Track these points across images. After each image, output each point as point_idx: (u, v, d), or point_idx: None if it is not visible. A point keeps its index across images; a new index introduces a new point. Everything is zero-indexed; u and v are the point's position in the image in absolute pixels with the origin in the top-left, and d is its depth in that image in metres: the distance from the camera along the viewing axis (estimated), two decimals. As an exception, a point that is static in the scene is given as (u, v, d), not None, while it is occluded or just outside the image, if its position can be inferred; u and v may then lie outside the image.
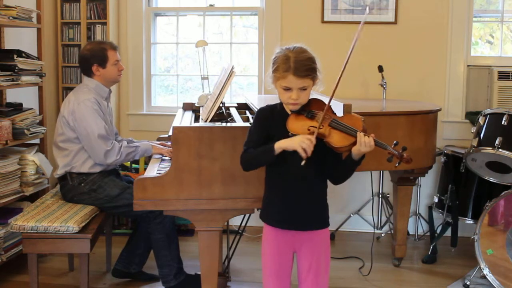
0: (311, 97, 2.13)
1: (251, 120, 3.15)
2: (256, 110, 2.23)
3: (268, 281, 2.18)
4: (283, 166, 2.10)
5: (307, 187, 2.12)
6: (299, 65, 2.01)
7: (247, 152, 2.12)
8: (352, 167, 2.10)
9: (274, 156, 2.03)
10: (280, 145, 2.02)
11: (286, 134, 2.06)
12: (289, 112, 2.12)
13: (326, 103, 2.11)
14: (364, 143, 1.99)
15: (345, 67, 2.06)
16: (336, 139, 2.04)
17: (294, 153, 2.00)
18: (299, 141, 1.98)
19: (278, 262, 2.16)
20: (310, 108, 2.10)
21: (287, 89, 2.04)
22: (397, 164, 2.06)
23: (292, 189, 2.11)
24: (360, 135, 2.01)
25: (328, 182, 2.22)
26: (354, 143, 2.02)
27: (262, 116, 2.17)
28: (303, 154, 1.97)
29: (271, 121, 2.13)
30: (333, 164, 2.13)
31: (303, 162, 1.97)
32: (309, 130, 2.03)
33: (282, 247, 2.16)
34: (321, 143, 2.05)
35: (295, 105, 2.07)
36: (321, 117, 2.03)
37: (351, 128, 2.04)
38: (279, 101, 2.20)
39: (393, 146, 2.05)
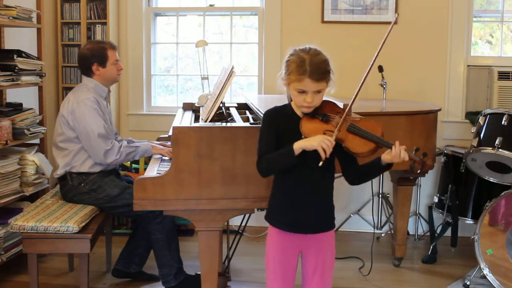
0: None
1: (251, 120, 3.15)
2: (262, 113, 2.19)
3: (273, 284, 2.16)
4: (294, 169, 2.07)
5: (317, 189, 2.11)
6: (315, 68, 1.97)
7: (265, 158, 2.05)
8: (378, 172, 2.09)
9: (295, 158, 1.98)
10: (300, 145, 1.97)
11: (297, 138, 2.02)
12: (300, 115, 2.09)
13: (338, 106, 2.10)
14: (398, 155, 1.97)
15: (367, 73, 2.07)
16: (356, 144, 2.02)
17: (306, 155, 1.98)
18: (319, 140, 1.94)
19: (284, 265, 2.14)
20: (323, 111, 2.07)
21: (302, 92, 2.00)
22: (418, 171, 2.05)
23: (302, 192, 2.09)
24: (397, 147, 1.97)
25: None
26: (374, 149, 2.01)
27: (270, 118, 2.11)
28: (322, 154, 1.93)
29: (280, 122, 2.09)
30: (349, 165, 2.12)
31: (320, 163, 1.94)
32: (325, 134, 2.00)
33: (288, 250, 2.13)
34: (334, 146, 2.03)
35: (309, 108, 2.04)
36: (340, 122, 2.00)
37: (370, 134, 2.02)
38: (285, 102, 2.17)
39: (414, 152, 2.03)
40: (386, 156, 2.01)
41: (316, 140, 1.95)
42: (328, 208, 2.16)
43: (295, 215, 2.10)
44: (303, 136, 2.02)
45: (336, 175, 2.20)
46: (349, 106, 2.05)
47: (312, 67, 1.97)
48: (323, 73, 1.99)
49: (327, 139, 1.95)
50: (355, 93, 2.08)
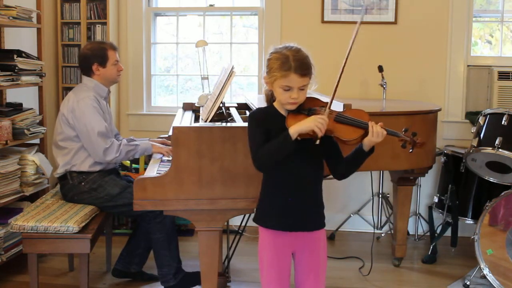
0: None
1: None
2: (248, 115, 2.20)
3: (269, 286, 2.15)
4: (283, 168, 2.07)
5: (308, 187, 2.12)
6: (299, 64, 2.00)
7: (261, 151, 2.03)
8: (363, 159, 2.09)
9: (293, 143, 1.98)
10: (295, 129, 1.97)
11: None
12: (285, 114, 2.09)
13: (321, 100, 2.11)
14: (377, 132, 2.00)
15: (344, 65, 2.07)
16: (345, 133, 2.04)
17: (296, 153, 1.99)
18: (313, 120, 1.96)
19: (278, 266, 2.13)
20: (308, 106, 2.09)
21: (287, 89, 2.02)
22: (411, 150, 2.08)
23: (293, 191, 2.09)
24: (371, 124, 2.02)
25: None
26: (363, 135, 2.03)
27: (257, 119, 2.12)
28: (319, 132, 1.94)
29: (267, 123, 2.09)
30: (336, 160, 2.14)
31: (317, 141, 1.96)
32: None
33: (281, 250, 2.13)
34: (321, 142, 2.03)
35: (294, 104, 2.05)
36: (326, 112, 2.02)
37: (358, 120, 2.05)
38: (266, 104, 2.18)
39: (403, 132, 2.07)
40: (365, 140, 2.03)
41: (309, 121, 1.97)
42: (319, 205, 2.17)
43: (287, 214, 2.10)
44: None
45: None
46: (331, 98, 2.05)
47: (297, 62, 2.00)
48: (307, 68, 2.02)
49: (320, 117, 1.96)
50: (335, 85, 2.08)
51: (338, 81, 2.07)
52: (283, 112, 2.11)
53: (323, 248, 2.18)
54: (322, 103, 2.11)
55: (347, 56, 2.08)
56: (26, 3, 3.60)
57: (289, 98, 2.03)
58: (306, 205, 2.12)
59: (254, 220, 2.20)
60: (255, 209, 2.23)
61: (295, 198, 2.10)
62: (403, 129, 2.08)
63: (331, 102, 2.05)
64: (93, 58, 3.20)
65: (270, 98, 2.15)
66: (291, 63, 1.99)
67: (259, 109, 2.17)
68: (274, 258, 2.13)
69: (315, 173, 2.12)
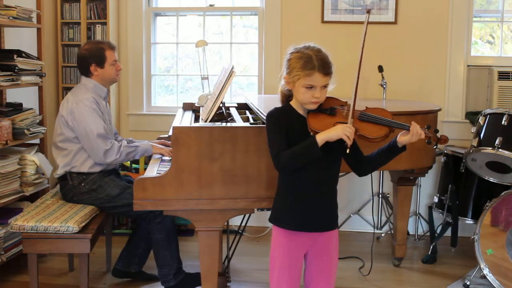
0: None
1: (251, 120, 3.15)
2: (263, 113, 2.19)
3: (279, 285, 2.15)
4: (302, 169, 2.06)
5: (325, 188, 2.12)
6: (323, 63, 2.01)
7: (284, 154, 2.03)
8: (394, 156, 2.12)
9: (319, 150, 1.98)
10: (322, 137, 1.98)
11: (304, 137, 2.03)
12: (303, 114, 2.09)
13: (340, 100, 2.12)
14: (417, 133, 2.03)
15: (360, 65, 2.09)
16: (371, 131, 2.06)
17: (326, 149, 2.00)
18: (341, 129, 1.97)
19: (290, 267, 2.13)
20: (328, 105, 2.09)
21: (310, 87, 2.01)
22: (435, 146, 2.14)
23: (311, 191, 2.09)
24: (414, 125, 2.05)
25: None
26: (388, 133, 2.06)
27: (275, 118, 2.11)
28: (348, 142, 1.96)
29: (286, 122, 2.08)
30: (357, 158, 2.14)
31: (348, 150, 1.97)
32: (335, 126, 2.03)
33: (295, 251, 2.13)
34: (339, 144, 2.02)
35: (316, 103, 2.05)
36: (351, 111, 2.03)
37: (382, 118, 2.08)
38: (281, 103, 2.18)
39: (427, 130, 2.10)
40: (403, 138, 2.06)
41: (337, 130, 1.98)
42: (334, 206, 2.17)
43: (303, 214, 2.10)
44: (311, 134, 2.03)
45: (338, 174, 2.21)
46: (354, 96, 2.07)
47: (320, 61, 2.01)
48: (330, 67, 2.04)
49: (348, 126, 1.97)
50: (355, 86, 2.10)
51: (357, 82, 2.08)
52: (301, 111, 2.10)
53: (335, 249, 2.19)
54: (341, 102, 2.12)
55: (361, 57, 2.10)
56: (26, 3, 3.60)
57: (312, 97, 2.02)
58: (321, 205, 2.12)
59: (270, 219, 2.19)
60: (270, 209, 2.23)
61: (312, 198, 2.10)
62: (426, 126, 2.10)
63: (355, 102, 2.05)
64: (90, 59, 3.19)
65: (287, 97, 2.15)
66: (315, 62, 2.00)
67: (276, 108, 2.16)
68: (286, 258, 2.13)
69: (331, 173, 2.12)
